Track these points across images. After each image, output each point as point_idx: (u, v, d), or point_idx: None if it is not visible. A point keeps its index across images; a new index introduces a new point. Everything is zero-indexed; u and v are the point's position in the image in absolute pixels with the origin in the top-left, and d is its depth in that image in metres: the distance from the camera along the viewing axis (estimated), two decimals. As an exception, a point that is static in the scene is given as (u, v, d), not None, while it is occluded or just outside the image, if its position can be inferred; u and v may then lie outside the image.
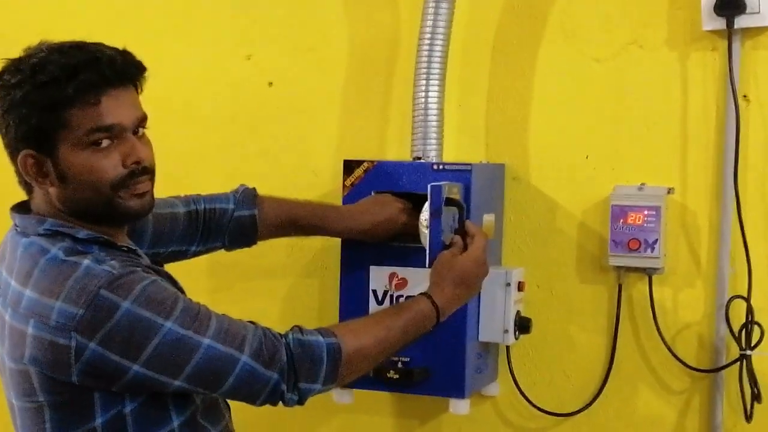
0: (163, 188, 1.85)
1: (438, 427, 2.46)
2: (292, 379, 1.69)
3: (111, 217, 1.70)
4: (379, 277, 2.22)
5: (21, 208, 1.75)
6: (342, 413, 2.50)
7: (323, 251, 2.49)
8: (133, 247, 1.76)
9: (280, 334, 1.72)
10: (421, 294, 1.90)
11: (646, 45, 2.26)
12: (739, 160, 2.17)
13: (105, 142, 1.65)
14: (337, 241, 2.28)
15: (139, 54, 1.72)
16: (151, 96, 1.76)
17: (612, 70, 2.29)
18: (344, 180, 2.24)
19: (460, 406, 2.20)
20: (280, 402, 1.71)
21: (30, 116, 1.62)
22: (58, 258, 1.63)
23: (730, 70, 2.16)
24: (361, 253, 2.22)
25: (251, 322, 1.71)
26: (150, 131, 1.75)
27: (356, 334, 1.78)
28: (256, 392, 1.68)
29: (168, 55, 2.59)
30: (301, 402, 1.73)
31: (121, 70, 1.66)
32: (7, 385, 1.71)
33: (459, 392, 2.19)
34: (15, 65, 1.65)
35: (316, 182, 2.50)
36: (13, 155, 1.68)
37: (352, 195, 2.23)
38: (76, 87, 1.61)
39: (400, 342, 1.84)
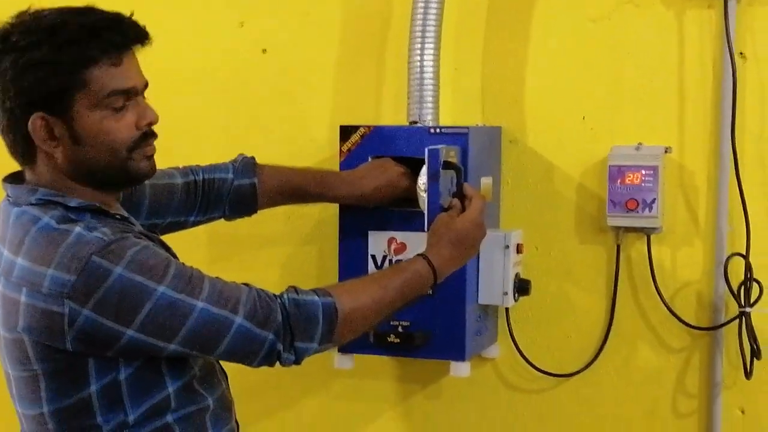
0: (157, 157, 1.82)
1: (438, 390, 2.47)
2: (288, 338, 1.69)
3: (122, 179, 1.71)
4: (378, 241, 2.22)
5: (13, 179, 1.74)
6: (342, 378, 2.51)
7: (321, 218, 2.49)
8: (126, 215, 1.75)
9: (275, 294, 1.72)
10: (418, 255, 1.90)
11: (642, 3, 2.25)
12: (737, 118, 2.17)
13: (121, 105, 1.66)
14: (335, 207, 2.28)
15: (131, 21, 1.71)
16: (141, 65, 1.74)
17: (607, 30, 2.28)
18: (341, 146, 2.24)
19: (460, 369, 2.21)
20: (277, 362, 1.71)
21: (48, 77, 1.60)
22: (50, 226, 1.62)
23: (726, 27, 2.15)
24: (359, 218, 2.22)
25: (245, 284, 1.71)
26: (143, 99, 1.75)
27: (353, 293, 1.78)
28: (253, 353, 1.68)
29: (159, 23, 2.53)
30: (297, 362, 1.72)
31: (140, 32, 1.67)
32: (3, 354, 1.71)
33: (459, 355, 2.19)
34: (25, 27, 1.62)
35: (312, 148, 2.49)
36: (16, 120, 1.65)
37: (349, 160, 2.22)
38: (100, 47, 1.62)
39: (397, 302, 1.83)
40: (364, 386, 2.52)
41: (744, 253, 2.18)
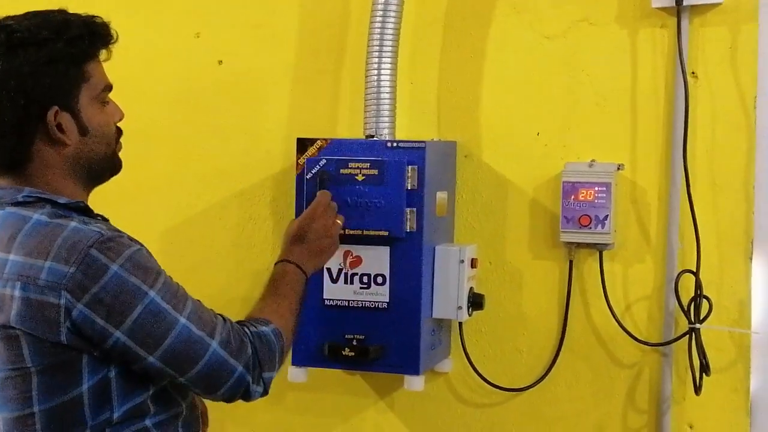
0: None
1: (391, 403, 2.48)
2: (257, 370, 1.72)
3: (109, 171, 1.78)
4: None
5: None
6: (296, 391, 2.49)
7: (276, 231, 2.48)
8: (106, 218, 1.77)
9: (244, 328, 1.75)
10: (278, 262, 1.95)
11: (597, 22, 2.28)
12: (688, 137, 2.20)
13: (106, 100, 1.76)
14: (285, 218, 2.28)
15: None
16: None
17: (562, 47, 2.31)
18: (298, 158, 2.23)
19: (414, 383, 2.21)
20: (242, 396, 1.72)
21: (67, 70, 1.67)
22: (42, 221, 1.63)
23: (679, 47, 2.19)
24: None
25: (220, 314, 1.73)
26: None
27: (278, 314, 1.82)
28: (221, 381, 1.69)
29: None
30: (266, 392, 1.75)
31: (113, 34, 1.76)
32: None
33: (414, 369, 2.20)
34: (33, 24, 1.67)
35: (268, 160, 2.49)
36: (27, 116, 1.66)
37: (305, 173, 2.22)
38: (98, 43, 1.72)
39: (299, 309, 1.89)
40: (318, 399, 2.51)
41: (694, 269, 2.21)
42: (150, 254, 1.68)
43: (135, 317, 1.60)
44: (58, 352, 1.61)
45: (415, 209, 2.16)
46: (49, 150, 1.69)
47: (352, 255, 2.21)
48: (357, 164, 2.16)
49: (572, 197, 2.24)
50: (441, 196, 2.26)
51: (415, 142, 2.18)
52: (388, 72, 2.28)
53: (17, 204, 1.67)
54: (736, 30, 2.20)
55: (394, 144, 2.18)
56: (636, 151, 2.28)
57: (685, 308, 2.21)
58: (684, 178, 2.21)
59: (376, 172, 2.15)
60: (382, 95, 2.28)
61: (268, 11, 2.51)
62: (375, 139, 2.27)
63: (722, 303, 2.23)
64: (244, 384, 1.70)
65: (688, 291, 2.22)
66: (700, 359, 2.21)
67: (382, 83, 2.28)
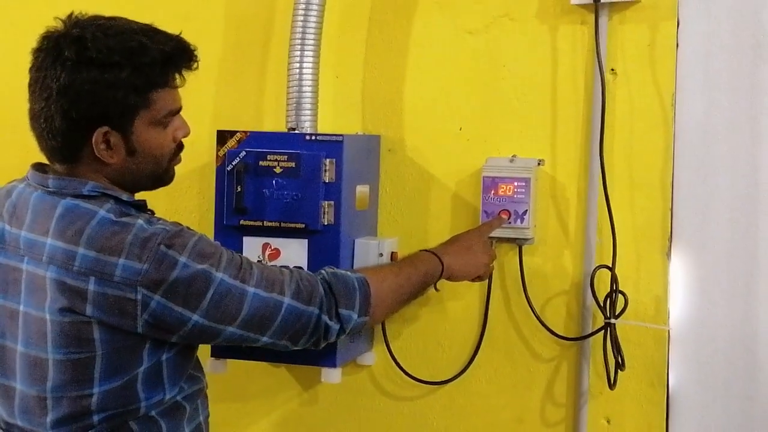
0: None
1: (314, 395, 2.49)
2: (333, 306, 1.86)
3: (155, 185, 1.87)
4: (252, 247, 2.21)
5: (41, 169, 1.81)
6: (215, 383, 2.47)
7: (202, 223, 2.48)
8: (153, 211, 1.86)
9: (314, 272, 1.90)
10: (429, 252, 2.11)
11: (517, 18, 2.29)
12: (606, 133, 2.21)
13: (169, 121, 1.81)
14: (211, 210, 2.28)
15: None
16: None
17: (484, 43, 2.32)
18: (217, 150, 2.24)
19: (331, 375, 2.22)
20: (323, 336, 1.86)
21: (125, 97, 1.72)
22: (110, 219, 1.73)
23: (597, 44, 2.20)
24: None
25: (285, 267, 1.89)
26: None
27: (378, 276, 1.97)
28: (301, 329, 1.84)
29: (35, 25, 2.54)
30: (343, 329, 1.88)
31: (195, 56, 1.83)
32: (29, 337, 1.75)
33: (330, 361, 2.20)
34: (105, 43, 1.70)
35: (194, 153, 2.44)
36: (77, 129, 1.73)
37: (224, 165, 2.22)
38: (172, 72, 1.78)
39: (415, 293, 2.05)
40: (241, 391, 2.51)
41: (610, 265, 2.22)
42: (208, 239, 1.79)
43: (209, 299, 1.73)
44: (129, 340, 1.73)
45: (332, 202, 2.16)
46: (95, 159, 1.76)
47: (270, 247, 2.21)
48: (275, 157, 2.17)
49: (492, 192, 2.25)
50: (362, 189, 2.27)
51: (333, 135, 2.19)
52: (310, 65, 2.28)
53: (80, 196, 1.75)
54: (654, 27, 2.22)
55: (313, 137, 2.19)
56: (556, 146, 2.29)
57: (601, 303, 2.22)
58: (601, 174, 2.22)
59: (293, 164, 2.16)
60: (304, 89, 2.28)
61: (194, 3, 2.51)
62: (296, 132, 2.27)
63: (639, 298, 2.25)
64: (322, 324, 1.85)
65: (604, 286, 2.23)
66: (614, 354, 2.22)
67: (304, 77, 2.28)
